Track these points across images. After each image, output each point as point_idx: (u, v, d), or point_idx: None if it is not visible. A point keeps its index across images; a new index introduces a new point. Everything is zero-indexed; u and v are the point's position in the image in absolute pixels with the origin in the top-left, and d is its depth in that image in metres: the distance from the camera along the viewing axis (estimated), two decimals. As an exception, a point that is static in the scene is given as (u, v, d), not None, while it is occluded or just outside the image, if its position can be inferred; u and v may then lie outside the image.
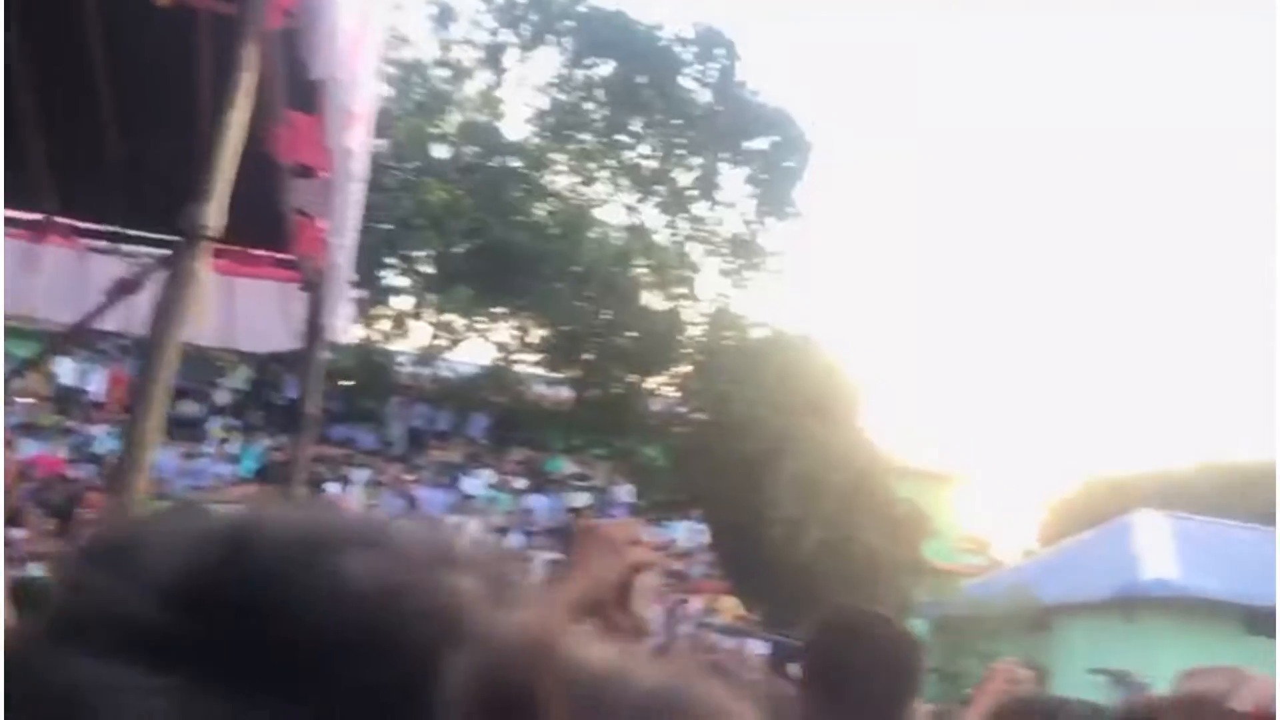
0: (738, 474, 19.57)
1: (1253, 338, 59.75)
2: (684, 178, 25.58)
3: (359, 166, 4.70)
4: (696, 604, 17.50)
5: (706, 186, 25.49)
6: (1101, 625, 17.27)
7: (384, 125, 22.35)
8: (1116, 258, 66.64)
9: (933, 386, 58.89)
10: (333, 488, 17.89)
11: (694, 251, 25.61)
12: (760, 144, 25.07)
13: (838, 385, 21.91)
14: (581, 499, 20.39)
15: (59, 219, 5.94)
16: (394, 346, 24.66)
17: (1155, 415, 61.09)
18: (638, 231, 25.44)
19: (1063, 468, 71.20)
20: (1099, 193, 64.61)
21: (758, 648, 13.58)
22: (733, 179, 25.56)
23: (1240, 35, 60.05)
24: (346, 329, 6.30)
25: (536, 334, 24.74)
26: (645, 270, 24.85)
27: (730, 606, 17.88)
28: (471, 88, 25.30)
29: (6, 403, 13.21)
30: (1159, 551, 18.88)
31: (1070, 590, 18.19)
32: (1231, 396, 63.77)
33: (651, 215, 25.81)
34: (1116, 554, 19.30)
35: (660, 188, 25.56)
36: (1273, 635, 15.64)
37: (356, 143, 4.37)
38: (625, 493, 21.37)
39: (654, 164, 25.47)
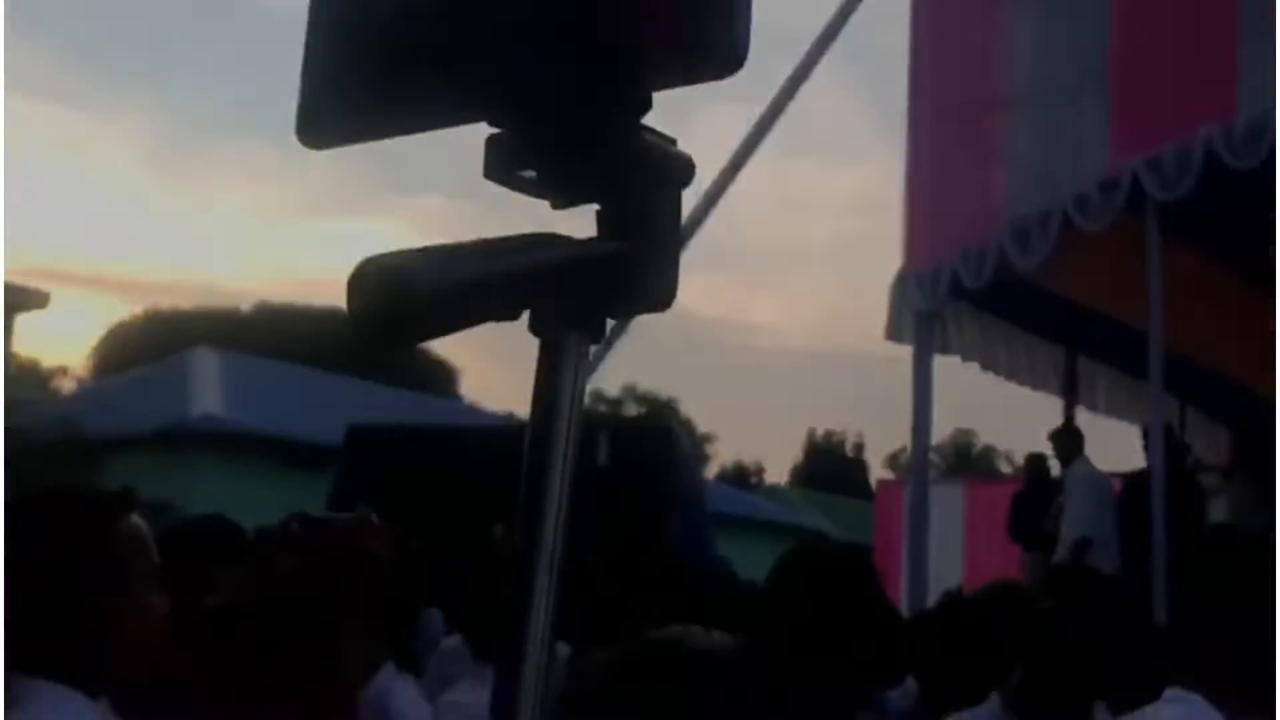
0: None
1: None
2: None
3: None
4: None
5: None
6: (149, 459, 17.33)
7: None
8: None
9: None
10: None
11: None
12: None
13: None
14: None
15: None
16: None
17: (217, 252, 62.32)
18: None
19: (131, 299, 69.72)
20: None
21: None
22: None
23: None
24: None
25: None
26: None
27: None
28: None
29: None
30: (208, 387, 19.53)
31: (120, 424, 17.94)
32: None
33: None
34: (168, 389, 19.52)
35: None
36: (308, 466, 17.13)
37: None
38: None
39: None
